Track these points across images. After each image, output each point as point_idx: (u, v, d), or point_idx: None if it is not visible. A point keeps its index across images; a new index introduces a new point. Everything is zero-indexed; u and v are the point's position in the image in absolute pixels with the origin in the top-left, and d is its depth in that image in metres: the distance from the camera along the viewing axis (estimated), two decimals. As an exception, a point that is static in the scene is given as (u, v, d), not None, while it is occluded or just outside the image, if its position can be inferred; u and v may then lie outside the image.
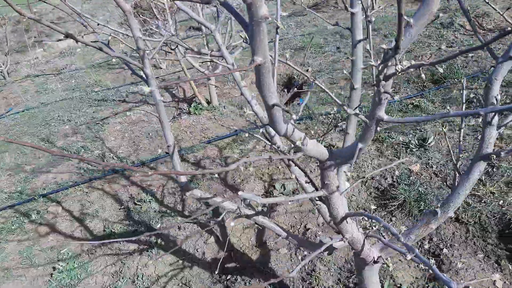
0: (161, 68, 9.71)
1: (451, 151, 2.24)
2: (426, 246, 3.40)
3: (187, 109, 7.04)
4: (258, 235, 3.79)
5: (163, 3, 5.48)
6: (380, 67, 1.38)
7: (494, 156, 1.97)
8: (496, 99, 1.98)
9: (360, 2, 2.21)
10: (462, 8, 1.73)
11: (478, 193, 3.54)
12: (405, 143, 4.40)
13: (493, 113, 1.99)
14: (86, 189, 4.80)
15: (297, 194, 4.12)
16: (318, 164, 1.86)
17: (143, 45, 1.83)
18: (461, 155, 2.23)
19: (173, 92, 8.05)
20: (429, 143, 4.21)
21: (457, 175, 2.19)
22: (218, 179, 4.52)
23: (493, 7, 1.89)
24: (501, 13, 1.86)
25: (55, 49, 14.60)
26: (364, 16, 2.20)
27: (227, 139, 5.33)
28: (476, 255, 3.27)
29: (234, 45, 5.28)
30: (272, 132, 2.58)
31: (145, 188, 4.65)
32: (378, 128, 1.55)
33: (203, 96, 7.18)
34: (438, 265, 3.20)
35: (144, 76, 1.91)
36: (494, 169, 3.75)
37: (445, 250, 3.32)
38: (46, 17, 18.49)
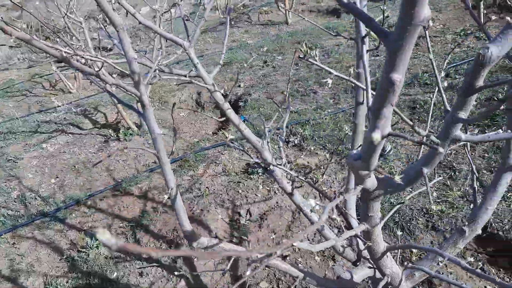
0: (70, 92, 8.83)
1: (472, 166, 2.12)
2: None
3: (115, 136, 6.39)
4: (232, 269, 3.42)
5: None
6: (469, 77, 1.17)
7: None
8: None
9: None
10: None
11: (449, 199, 3.56)
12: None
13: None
14: (11, 239, 4.02)
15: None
16: (360, 195, 1.60)
17: (138, 69, 1.43)
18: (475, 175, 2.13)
19: (93, 118, 7.32)
20: (387, 152, 4.20)
21: (476, 190, 2.08)
22: (174, 211, 4.04)
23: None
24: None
25: None
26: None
27: (173, 165, 4.86)
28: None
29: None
30: (266, 156, 2.29)
31: (87, 231, 4.01)
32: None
33: (131, 120, 6.59)
34: (428, 279, 3.12)
35: (138, 106, 1.50)
36: (457, 173, 3.81)
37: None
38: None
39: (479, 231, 2.02)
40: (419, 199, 3.65)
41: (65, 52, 1.38)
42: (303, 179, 1.76)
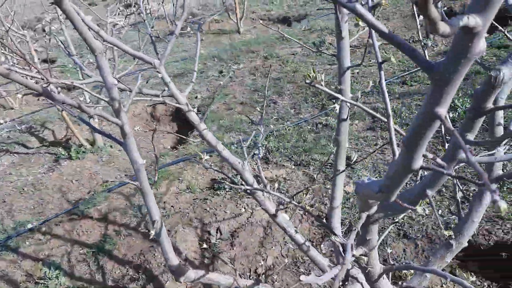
0: (12, 109, 8.28)
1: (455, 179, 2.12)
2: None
3: (66, 154, 6.02)
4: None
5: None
6: (479, 99, 1.14)
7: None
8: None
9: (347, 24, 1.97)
10: None
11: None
12: (330, 164, 4.34)
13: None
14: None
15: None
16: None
17: (118, 95, 1.29)
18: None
19: (40, 135, 6.89)
20: (354, 162, 4.22)
21: (459, 202, 2.09)
22: (141, 234, 3.84)
23: None
24: None
25: None
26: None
27: (131, 185, 4.62)
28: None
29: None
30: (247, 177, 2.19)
31: (44, 260, 3.70)
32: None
33: (83, 136, 6.24)
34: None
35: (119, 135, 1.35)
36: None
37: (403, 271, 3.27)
38: None
39: (466, 244, 2.03)
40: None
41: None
42: (296, 203, 1.67)
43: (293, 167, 4.45)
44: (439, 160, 1.31)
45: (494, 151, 1.47)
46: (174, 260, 1.65)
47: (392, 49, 7.26)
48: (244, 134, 5.42)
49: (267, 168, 4.50)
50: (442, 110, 0.74)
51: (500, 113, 1.75)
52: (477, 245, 3.23)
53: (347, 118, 2.08)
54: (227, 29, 11.50)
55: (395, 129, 1.17)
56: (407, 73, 5.84)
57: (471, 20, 0.57)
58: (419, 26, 1.59)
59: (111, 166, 5.73)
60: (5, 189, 5.41)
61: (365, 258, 1.70)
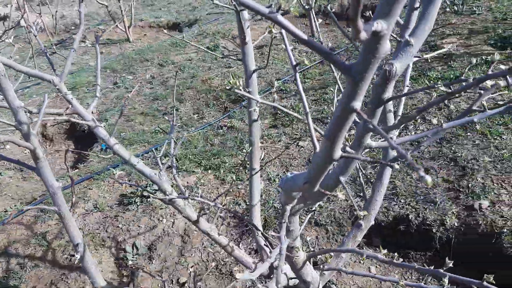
0: None
1: (359, 168, 2.33)
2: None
3: None
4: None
5: None
6: (377, 90, 1.29)
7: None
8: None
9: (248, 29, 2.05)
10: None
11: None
12: (237, 164, 4.44)
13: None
14: None
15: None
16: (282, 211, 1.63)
17: (27, 118, 1.21)
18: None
19: None
20: (262, 159, 4.36)
21: (364, 186, 2.30)
22: (49, 262, 3.55)
23: None
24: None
25: None
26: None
27: (35, 210, 4.26)
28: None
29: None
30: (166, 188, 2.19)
31: None
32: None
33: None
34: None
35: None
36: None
37: (319, 256, 3.48)
38: None
39: (373, 222, 2.24)
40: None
41: None
42: (220, 206, 1.71)
43: (204, 171, 4.47)
44: (348, 149, 1.45)
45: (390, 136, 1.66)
46: (102, 282, 1.59)
47: (280, 50, 7.63)
48: (148, 144, 5.29)
49: (178, 176, 4.46)
50: (357, 104, 0.84)
51: (390, 102, 1.98)
52: (378, 222, 3.55)
53: (257, 119, 2.17)
54: (115, 39, 11.05)
55: (314, 127, 1.27)
56: (301, 70, 6.19)
57: (379, 25, 0.67)
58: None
59: (3, 196, 5.20)
60: None
61: (298, 248, 1.80)
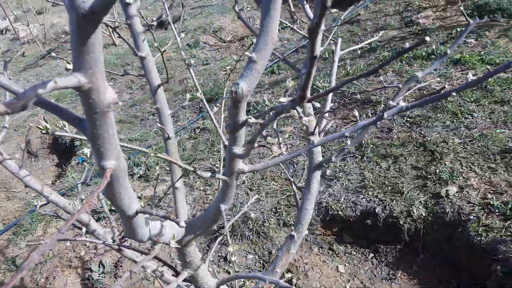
0: None
1: (286, 171, 2.21)
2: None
3: None
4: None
5: None
6: (232, 115, 1.17)
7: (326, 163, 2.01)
8: (310, 113, 2.01)
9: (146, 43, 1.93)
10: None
11: (292, 193, 3.74)
12: (213, 165, 4.34)
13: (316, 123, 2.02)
14: None
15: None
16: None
17: None
18: (291, 171, 2.23)
19: None
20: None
21: (297, 192, 2.18)
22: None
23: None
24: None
25: None
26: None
27: (6, 234, 4.24)
28: (312, 250, 3.44)
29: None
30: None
31: None
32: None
33: None
34: (290, 277, 3.23)
35: None
36: (298, 164, 4.03)
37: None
38: None
39: (306, 231, 2.12)
40: (268, 200, 3.77)
41: None
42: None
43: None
44: (219, 175, 1.33)
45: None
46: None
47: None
48: (124, 152, 5.22)
49: (147, 186, 4.39)
50: (107, 162, 0.72)
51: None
52: (347, 218, 3.42)
53: (170, 136, 2.05)
54: (103, 43, 10.97)
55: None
56: (274, 62, 6.02)
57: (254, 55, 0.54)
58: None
59: None
60: None
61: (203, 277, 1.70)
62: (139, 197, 2.17)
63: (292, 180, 2.18)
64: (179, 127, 5.42)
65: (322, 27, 1.99)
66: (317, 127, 1.96)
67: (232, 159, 1.29)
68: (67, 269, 3.60)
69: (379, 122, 1.18)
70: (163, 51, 1.86)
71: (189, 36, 9.05)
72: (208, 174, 1.30)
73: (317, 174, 2.04)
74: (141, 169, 4.65)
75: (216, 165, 4.30)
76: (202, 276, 1.62)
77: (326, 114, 2.10)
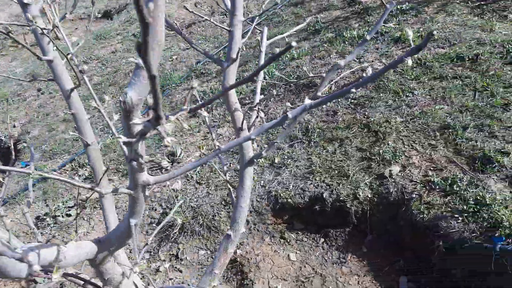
0: None
1: (220, 170, 2.14)
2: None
3: None
4: None
5: None
6: (124, 124, 1.08)
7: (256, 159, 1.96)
8: (236, 108, 1.94)
9: (54, 48, 1.79)
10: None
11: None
12: (155, 163, 4.21)
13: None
14: None
15: None
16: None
17: None
18: (226, 168, 2.16)
19: None
20: (179, 156, 4.15)
21: (232, 189, 2.11)
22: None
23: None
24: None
25: None
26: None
27: None
28: (264, 240, 3.42)
29: None
30: None
31: None
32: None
33: None
34: (241, 270, 3.20)
35: None
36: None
37: (238, 252, 3.34)
38: None
39: (243, 229, 2.06)
40: (217, 193, 3.70)
41: None
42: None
43: (121, 178, 4.23)
44: (122, 189, 1.24)
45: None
46: None
47: (208, 26, 7.26)
48: (68, 155, 5.00)
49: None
50: None
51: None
52: (296, 205, 3.41)
53: (90, 144, 1.93)
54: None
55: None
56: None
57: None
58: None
59: None
60: None
61: None
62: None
63: (226, 178, 2.12)
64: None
65: (242, 18, 1.90)
66: (245, 121, 1.89)
67: (134, 171, 1.20)
68: (10, 283, 3.42)
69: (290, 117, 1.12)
70: (68, 54, 1.73)
71: (134, 25, 8.74)
72: (110, 189, 1.21)
73: (250, 170, 1.98)
74: (86, 170, 4.47)
75: (164, 162, 4.18)
76: (127, 292, 1.54)
77: (256, 107, 2.03)
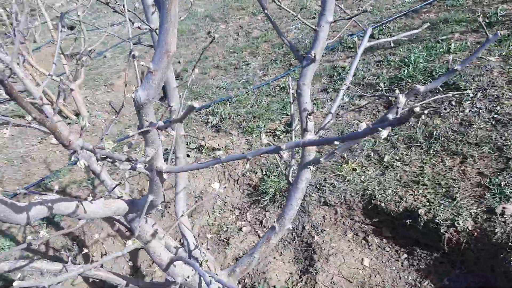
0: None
1: (281, 163, 2.16)
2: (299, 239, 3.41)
3: (54, 126, 6.38)
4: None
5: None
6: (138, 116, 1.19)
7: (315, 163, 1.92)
8: (306, 108, 1.91)
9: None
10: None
11: (342, 172, 3.60)
12: (272, 130, 4.36)
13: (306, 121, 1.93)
14: None
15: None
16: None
17: None
18: (292, 163, 2.16)
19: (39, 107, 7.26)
20: (294, 128, 4.20)
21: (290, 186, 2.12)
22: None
23: None
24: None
25: None
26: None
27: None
28: (346, 235, 3.34)
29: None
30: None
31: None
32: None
33: (70, 109, 6.58)
34: (310, 256, 3.22)
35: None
36: (355, 145, 3.83)
37: (316, 238, 3.34)
38: None
39: (289, 226, 2.08)
40: (315, 174, 3.70)
41: None
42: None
43: (239, 135, 4.51)
44: (142, 169, 1.39)
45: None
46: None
47: None
48: (209, 100, 5.48)
49: (216, 136, 4.60)
50: None
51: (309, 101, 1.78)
52: (389, 211, 3.21)
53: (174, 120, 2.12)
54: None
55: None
56: (378, 24, 5.55)
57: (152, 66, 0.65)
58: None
59: (93, 136, 6.06)
60: (0, 161, 5.89)
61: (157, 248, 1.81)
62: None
63: (285, 173, 2.12)
64: (263, 82, 5.45)
65: (330, 19, 1.81)
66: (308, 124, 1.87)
67: (149, 157, 1.33)
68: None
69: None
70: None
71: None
72: (128, 166, 1.36)
73: (306, 172, 1.96)
74: (215, 118, 4.86)
75: (278, 129, 4.29)
76: (154, 250, 1.74)
77: (332, 112, 1.97)
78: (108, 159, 1.19)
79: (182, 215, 1.89)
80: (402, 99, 0.82)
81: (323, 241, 3.29)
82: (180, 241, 3.50)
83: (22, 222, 1.15)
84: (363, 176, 3.52)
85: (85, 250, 1.95)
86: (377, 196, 3.30)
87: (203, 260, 2.09)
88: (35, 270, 2.04)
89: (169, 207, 3.96)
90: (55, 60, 2.45)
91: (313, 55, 1.78)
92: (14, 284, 1.40)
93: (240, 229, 3.59)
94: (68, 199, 1.33)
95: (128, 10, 1.78)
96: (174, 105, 2.15)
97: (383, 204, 3.25)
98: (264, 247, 2.11)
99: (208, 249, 3.36)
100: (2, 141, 6.57)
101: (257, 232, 3.54)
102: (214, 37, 1.58)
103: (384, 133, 0.82)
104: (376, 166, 3.57)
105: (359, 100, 4.30)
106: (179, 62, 7.16)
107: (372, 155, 3.66)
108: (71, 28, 10.34)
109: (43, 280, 1.45)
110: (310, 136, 1.95)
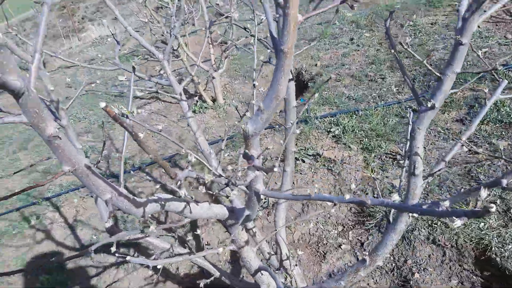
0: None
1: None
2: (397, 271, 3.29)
3: (193, 108, 7.06)
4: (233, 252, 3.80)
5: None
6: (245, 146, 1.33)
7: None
8: (417, 153, 1.87)
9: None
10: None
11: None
12: (393, 153, 4.22)
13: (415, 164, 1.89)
14: (84, 193, 4.98)
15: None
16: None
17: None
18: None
19: (185, 87, 8.06)
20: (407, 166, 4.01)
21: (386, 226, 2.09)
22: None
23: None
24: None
25: (88, 39, 15.03)
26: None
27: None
28: (450, 280, 3.13)
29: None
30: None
31: (136, 195, 4.75)
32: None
33: (209, 94, 7.18)
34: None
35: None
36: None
37: (416, 275, 3.19)
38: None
39: (380, 263, 2.07)
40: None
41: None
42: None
43: (358, 150, 4.45)
44: (242, 186, 1.55)
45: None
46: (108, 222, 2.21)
47: None
48: (336, 108, 5.50)
49: (334, 147, 4.61)
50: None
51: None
52: (504, 268, 2.92)
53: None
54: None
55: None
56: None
57: (262, 106, 0.92)
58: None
59: (225, 123, 6.55)
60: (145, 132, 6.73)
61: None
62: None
63: (385, 211, 2.09)
64: (396, 100, 5.25)
65: (458, 70, 1.75)
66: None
67: (247, 181, 1.47)
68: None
69: None
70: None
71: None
72: (229, 189, 1.51)
73: (406, 216, 1.93)
74: (338, 129, 4.87)
75: (399, 154, 4.13)
76: (245, 255, 1.89)
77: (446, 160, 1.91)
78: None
79: (280, 227, 2.00)
80: (484, 193, 0.81)
81: (423, 281, 3.13)
82: (272, 247, 3.64)
83: (139, 215, 1.38)
84: (482, 223, 3.24)
85: (198, 231, 2.17)
86: (493, 249, 3.02)
87: (291, 272, 2.19)
88: (148, 243, 2.37)
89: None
90: (202, 50, 2.75)
91: (432, 104, 1.73)
92: (127, 258, 1.66)
93: (340, 245, 3.59)
94: (178, 200, 1.54)
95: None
96: (290, 124, 2.26)
97: (498, 259, 2.97)
98: (351, 277, 2.13)
99: (299, 261, 3.45)
100: (148, 115, 7.46)
101: (356, 253, 3.52)
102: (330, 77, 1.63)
103: (458, 223, 0.83)
104: (499, 215, 3.25)
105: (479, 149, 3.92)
106: (315, 65, 7.27)
107: (499, 202, 3.34)
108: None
109: (155, 261, 1.70)
110: (418, 181, 1.92)
